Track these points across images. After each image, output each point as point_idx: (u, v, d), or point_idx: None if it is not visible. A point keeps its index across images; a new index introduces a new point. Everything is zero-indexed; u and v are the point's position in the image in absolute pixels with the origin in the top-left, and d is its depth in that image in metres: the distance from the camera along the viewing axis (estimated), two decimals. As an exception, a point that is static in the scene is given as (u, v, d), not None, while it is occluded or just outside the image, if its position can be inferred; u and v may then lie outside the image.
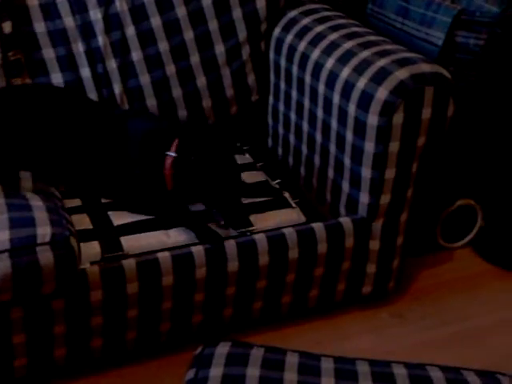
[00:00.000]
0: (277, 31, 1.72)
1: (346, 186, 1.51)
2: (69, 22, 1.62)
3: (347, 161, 1.49)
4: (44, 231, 1.22)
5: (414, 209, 1.53)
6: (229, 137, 1.75)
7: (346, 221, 1.48)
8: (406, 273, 1.66)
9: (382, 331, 1.52)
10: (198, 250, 1.35)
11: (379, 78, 1.41)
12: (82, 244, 1.30)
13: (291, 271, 1.44)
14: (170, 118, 1.68)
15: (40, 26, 1.59)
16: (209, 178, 1.37)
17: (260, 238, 1.39)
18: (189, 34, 1.69)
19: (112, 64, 1.64)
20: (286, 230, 1.43)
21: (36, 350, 1.28)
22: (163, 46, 1.67)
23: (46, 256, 1.19)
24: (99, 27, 1.63)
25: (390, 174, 1.44)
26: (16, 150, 1.44)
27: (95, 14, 1.63)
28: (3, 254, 1.17)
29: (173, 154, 1.39)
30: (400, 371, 0.95)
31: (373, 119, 1.40)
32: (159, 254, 1.33)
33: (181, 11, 1.68)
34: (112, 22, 1.64)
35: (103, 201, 1.48)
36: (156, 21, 1.67)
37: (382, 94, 1.39)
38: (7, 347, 1.24)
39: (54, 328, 1.27)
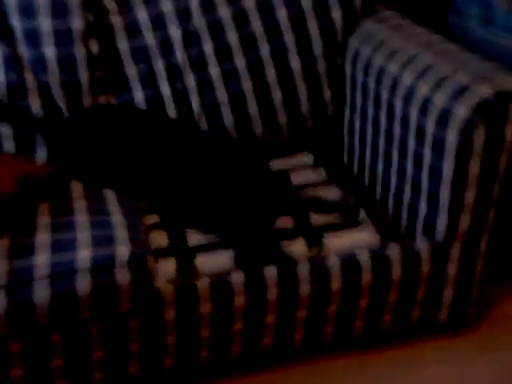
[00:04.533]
0: (353, 43, 1.69)
1: (423, 207, 1.46)
2: (150, 38, 1.66)
3: (425, 180, 1.44)
4: (123, 251, 1.26)
5: (496, 232, 1.46)
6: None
7: (422, 245, 1.43)
8: (485, 299, 1.59)
9: (459, 362, 1.46)
10: (270, 272, 1.35)
11: (459, 94, 1.35)
12: (159, 261, 1.33)
13: (364, 296, 1.42)
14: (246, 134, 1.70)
15: (123, 45, 1.65)
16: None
17: (333, 261, 1.38)
18: (265, 49, 1.69)
19: (191, 80, 1.67)
20: (359, 252, 1.40)
21: (112, 366, 1.32)
22: (240, 61, 1.68)
23: (123, 276, 1.23)
24: (178, 43, 1.66)
25: (469, 195, 1.38)
26: (100, 169, 1.51)
27: (174, 31, 1.66)
28: (85, 273, 1.22)
29: None
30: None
31: (452, 137, 1.35)
32: (232, 275, 1.34)
33: (256, 26, 1.68)
34: (190, 38, 1.67)
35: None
36: (233, 36, 1.68)
37: (461, 111, 1.33)
38: (86, 362, 1.30)
39: (129, 345, 1.32)
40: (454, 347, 1.49)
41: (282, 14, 1.69)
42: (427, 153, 1.42)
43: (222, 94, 1.67)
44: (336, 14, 1.70)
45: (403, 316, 1.48)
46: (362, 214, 1.54)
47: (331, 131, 1.77)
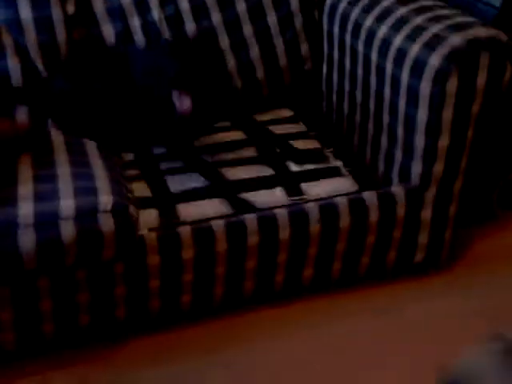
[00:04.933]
0: (330, -1, 1.72)
1: (398, 154, 1.51)
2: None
3: (400, 129, 1.48)
4: (106, 200, 1.28)
5: (469, 177, 1.51)
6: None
7: (397, 189, 1.48)
8: (460, 242, 1.64)
9: (434, 298, 1.52)
10: (250, 218, 1.39)
11: (432, 44, 1.39)
12: (141, 211, 1.36)
13: (342, 239, 1.46)
14: (225, 89, 1.72)
15: (99, 6, 1.65)
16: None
17: (311, 207, 1.42)
18: (241, 6, 1.71)
19: (167, 36, 1.68)
20: (337, 199, 1.44)
21: (99, 309, 1.36)
22: (216, 18, 1.70)
23: (107, 223, 1.26)
24: (154, 2, 1.67)
25: (443, 142, 1.43)
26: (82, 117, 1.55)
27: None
28: (68, 221, 1.24)
29: None
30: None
31: (426, 87, 1.39)
32: (213, 222, 1.38)
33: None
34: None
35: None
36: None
37: (435, 60, 1.37)
38: (73, 305, 1.33)
39: (115, 290, 1.35)
40: (429, 286, 1.56)
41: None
42: (402, 102, 1.46)
43: (200, 51, 1.69)
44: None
45: (380, 258, 1.53)
46: (340, 163, 1.58)
47: (309, 85, 1.80)
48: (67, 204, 1.27)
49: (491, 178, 1.73)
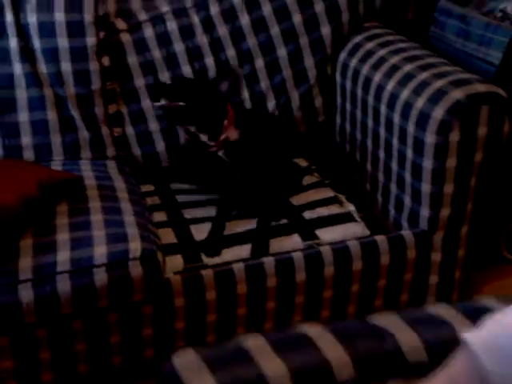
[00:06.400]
0: (342, 56, 1.84)
1: (407, 200, 1.60)
2: (156, 54, 1.81)
3: (408, 177, 1.58)
4: (135, 246, 1.39)
5: (476, 222, 1.59)
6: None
7: (407, 233, 1.57)
8: (470, 285, 1.70)
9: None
10: (268, 261, 1.48)
11: (436, 98, 1.50)
12: (167, 257, 1.46)
13: (355, 282, 1.54)
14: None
15: (133, 59, 1.80)
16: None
17: (325, 250, 1.51)
18: (259, 62, 1.84)
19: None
20: (350, 243, 1.54)
21: (128, 350, 1.45)
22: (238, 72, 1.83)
23: (136, 270, 1.36)
24: (182, 57, 1.81)
25: (448, 188, 1.52)
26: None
27: (179, 46, 1.82)
28: (101, 268, 1.35)
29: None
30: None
31: (430, 138, 1.49)
32: (234, 265, 1.48)
33: (251, 40, 1.84)
34: (194, 54, 1.82)
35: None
36: (231, 51, 1.83)
37: (438, 113, 1.48)
38: (106, 347, 1.43)
39: (143, 331, 1.45)
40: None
41: (275, 30, 1.84)
42: (409, 152, 1.56)
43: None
44: (325, 30, 1.85)
45: (393, 300, 1.61)
46: (353, 209, 1.68)
47: (323, 136, 1.92)
48: (100, 251, 1.38)
49: (498, 222, 1.80)
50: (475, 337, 0.59)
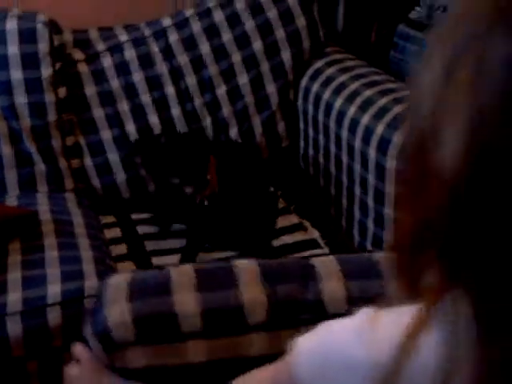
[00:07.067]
0: (304, 81, 1.83)
1: (370, 224, 1.58)
2: (114, 83, 1.79)
3: (370, 201, 1.57)
4: (90, 284, 1.34)
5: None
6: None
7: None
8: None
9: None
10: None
11: (396, 124, 1.49)
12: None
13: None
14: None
15: (90, 90, 1.77)
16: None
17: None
18: (221, 89, 1.83)
19: (156, 120, 1.79)
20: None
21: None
22: (198, 102, 1.82)
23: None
24: (142, 86, 1.79)
25: (411, 214, 1.50)
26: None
27: (138, 75, 1.79)
28: (55, 307, 1.30)
29: None
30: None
31: (391, 162, 1.48)
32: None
33: (212, 68, 1.83)
34: (154, 83, 1.80)
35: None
36: (192, 79, 1.82)
37: (398, 138, 1.47)
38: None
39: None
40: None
41: (235, 57, 1.83)
42: (371, 177, 1.54)
43: (183, 128, 1.79)
44: (286, 56, 1.85)
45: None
46: (318, 236, 1.66)
47: (287, 162, 1.90)
48: (54, 290, 1.33)
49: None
50: (306, 340, 0.58)
